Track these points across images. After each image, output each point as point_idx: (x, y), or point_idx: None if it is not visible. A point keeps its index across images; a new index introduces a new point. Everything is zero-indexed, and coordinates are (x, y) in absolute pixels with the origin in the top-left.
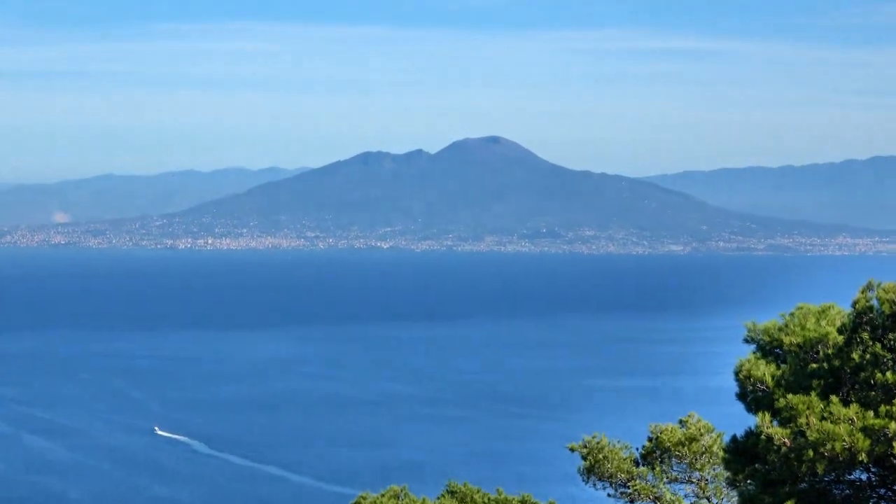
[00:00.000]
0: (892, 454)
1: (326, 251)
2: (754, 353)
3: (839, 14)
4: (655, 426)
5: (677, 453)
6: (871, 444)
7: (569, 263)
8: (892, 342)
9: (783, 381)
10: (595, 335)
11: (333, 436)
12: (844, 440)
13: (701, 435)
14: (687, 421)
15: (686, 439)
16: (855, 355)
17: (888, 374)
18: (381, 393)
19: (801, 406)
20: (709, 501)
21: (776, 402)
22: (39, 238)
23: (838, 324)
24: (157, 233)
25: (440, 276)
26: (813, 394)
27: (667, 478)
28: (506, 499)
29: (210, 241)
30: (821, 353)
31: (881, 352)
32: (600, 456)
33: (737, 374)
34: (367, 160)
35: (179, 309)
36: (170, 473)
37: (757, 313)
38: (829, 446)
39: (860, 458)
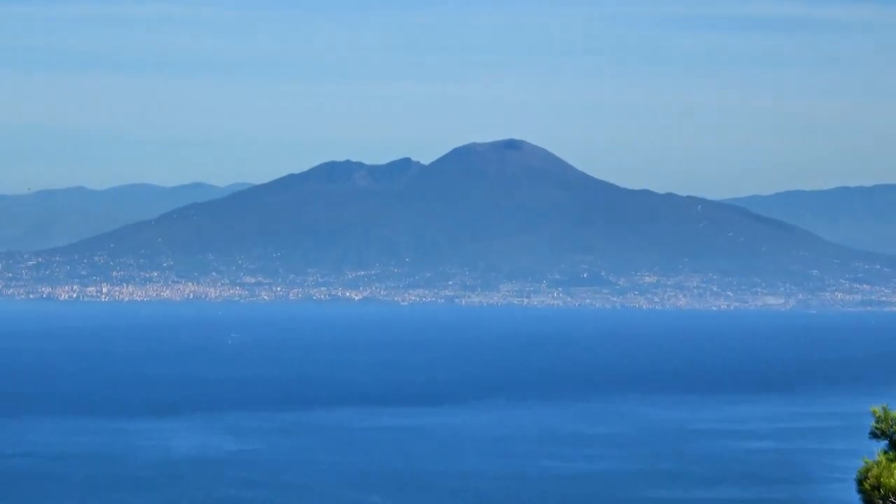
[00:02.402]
0: None
1: (273, 304)
2: (885, 452)
3: None
4: None
5: None
6: None
7: (621, 322)
8: None
9: None
10: (661, 426)
11: None
12: None
13: None
14: None
15: None
16: None
17: None
18: None
19: None
20: None
21: None
22: None
23: None
24: (29, 277)
25: (436, 339)
26: None
27: None
28: None
29: (105, 290)
30: None
31: None
32: None
33: (861, 482)
34: (333, 173)
35: (61, 386)
36: None
37: (891, 396)
38: None
39: None
